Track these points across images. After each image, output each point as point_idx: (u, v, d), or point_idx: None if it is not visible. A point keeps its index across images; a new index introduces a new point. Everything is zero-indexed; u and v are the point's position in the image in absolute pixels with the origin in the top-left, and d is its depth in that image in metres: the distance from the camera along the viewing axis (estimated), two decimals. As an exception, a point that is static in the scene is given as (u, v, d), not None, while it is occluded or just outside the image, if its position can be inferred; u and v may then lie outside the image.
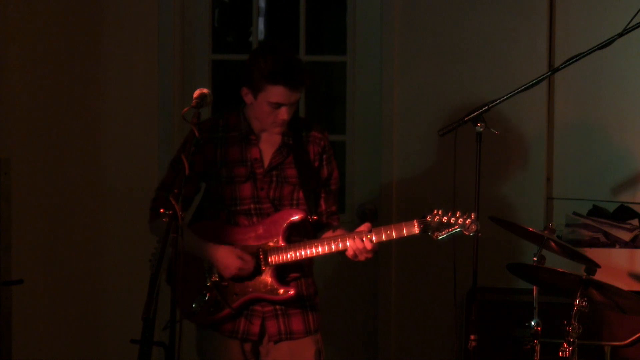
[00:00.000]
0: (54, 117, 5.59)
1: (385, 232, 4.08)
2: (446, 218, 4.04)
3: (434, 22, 5.45)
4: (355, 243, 4.07)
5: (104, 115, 5.70)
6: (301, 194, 4.20)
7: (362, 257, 4.11)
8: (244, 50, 5.88)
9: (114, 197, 5.69)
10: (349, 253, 4.10)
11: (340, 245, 4.11)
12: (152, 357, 3.60)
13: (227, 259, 4.12)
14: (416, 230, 4.05)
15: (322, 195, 4.29)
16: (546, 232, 4.29)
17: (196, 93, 3.78)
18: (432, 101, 5.43)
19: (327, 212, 4.30)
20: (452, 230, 4.03)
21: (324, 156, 4.27)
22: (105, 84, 5.69)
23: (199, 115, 3.70)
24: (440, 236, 4.05)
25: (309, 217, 4.19)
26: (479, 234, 4.09)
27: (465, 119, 4.32)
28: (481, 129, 4.30)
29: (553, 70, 4.59)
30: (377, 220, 5.50)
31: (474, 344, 4.29)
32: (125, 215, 5.67)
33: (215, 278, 4.17)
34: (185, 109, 3.69)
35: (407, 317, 5.50)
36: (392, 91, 5.48)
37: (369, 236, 4.08)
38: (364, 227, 4.11)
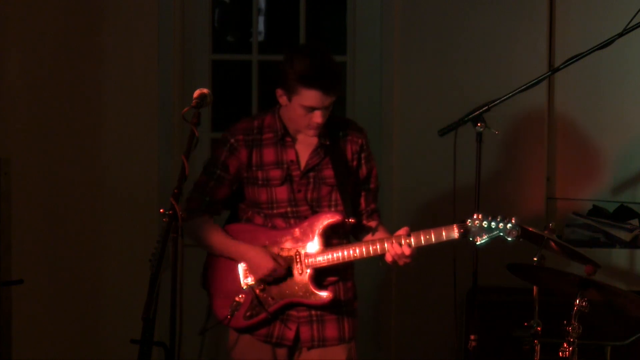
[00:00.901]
0: (54, 117, 5.59)
1: (425, 236, 4.01)
2: (486, 222, 3.98)
3: (434, 22, 5.45)
4: (394, 248, 4.01)
5: (104, 116, 5.70)
6: (339, 195, 4.13)
7: (401, 263, 4.04)
8: (244, 50, 5.89)
9: (114, 197, 5.69)
10: (388, 259, 4.03)
11: (378, 248, 4.04)
12: (152, 357, 3.60)
13: (260, 259, 4.04)
14: (456, 234, 4.00)
15: (362, 194, 4.21)
16: (546, 232, 4.29)
17: (196, 93, 3.77)
18: (432, 101, 5.43)
19: (367, 210, 4.23)
20: (492, 235, 3.99)
21: (363, 155, 4.18)
22: (105, 84, 5.69)
23: (199, 115, 3.69)
24: (480, 241, 4.00)
25: (346, 219, 4.11)
26: (520, 240, 4.04)
27: (465, 119, 4.31)
28: (481, 129, 4.29)
29: (553, 70, 4.59)
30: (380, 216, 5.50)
31: (474, 344, 4.29)
32: (125, 215, 5.67)
33: (252, 281, 4.10)
34: (185, 109, 3.68)
35: (407, 317, 5.50)
36: (392, 91, 5.48)
37: (407, 240, 4.02)
38: (402, 230, 4.05)
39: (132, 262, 5.55)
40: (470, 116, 4.31)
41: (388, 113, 5.48)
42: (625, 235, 5.09)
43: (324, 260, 4.06)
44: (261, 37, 5.86)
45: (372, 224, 4.24)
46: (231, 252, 4.10)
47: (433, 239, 4.02)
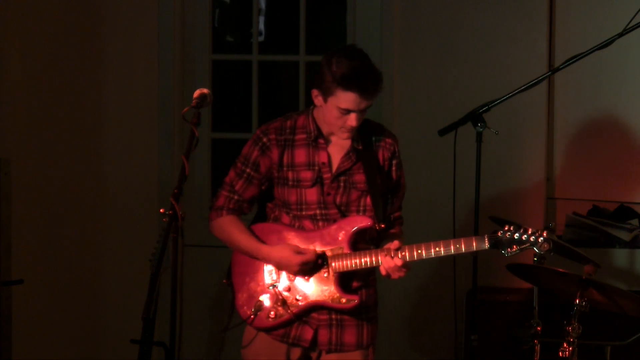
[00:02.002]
0: (54, 117, 5.59)
1: (455, 246, 3.96)
2: (517, 234, 3.94)
3: (434, 22, 5.45)
4: (387, 260, 3.95)
5: (104, 116, 5.70)
6: (369, 200, 4.07)
7: (395, 276, 4.00)
8: (244, 50, 5.89)
9: (114, 197, 5.70)
10: (382, 272, 3.99)
11: (407, 255, 3.97)
12: (152, 357, 3.60)
13: (287, 256, 4.00)
14: (487, 245, 3.94)
15: (389, 201, 4.18)
16: (546, 232, 4.29)
17: (196, 93, 3.77)
18: (432, 101, 5.44)
19: (392, 218, 4.19)
20: (523, 247, 3.97)
21: (394, 161, 4.15)
22: (105, 84, 5.69)
23: (199, 115, 3.69)
24: (510, 252, 3.99)
25: (376, 224, 4.06)
26: (551, 253, 3.98)
27: (465, 119, 4.32)
28: (481, 129, 4.29)
29: (553, 70, 4.60)
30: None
31: (474, 344, 4.29)
32: (125, 215, 5.67)
33: (277, 282, 4.08)
34: (185, 109, 3.68)
35: (407, 317, 5.50)
36: (392, 91, 5.48)
37: (402, 253, 3.95)
38: (393, 244, 3.99)
39: (132, 262, 5.55)
40: (470, 116, 4.31)
41: (388, 113, 5.48)
42: (625, 235, 5.09)
43: (351, 264, 4.03)
44: (261, 37, 5.86)
45: (395, 231, 4.19)
46: (255, 254, 4.07)
47: (463, 249, 3.97)
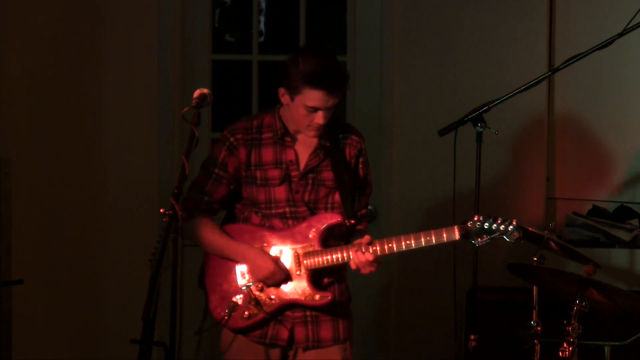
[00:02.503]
0: (54, 117, 5.59)
1: (425, 238, 4.00)
2: (487, 224, 3.97)
3: (434, 22, 5.45)
4: (358, 256, 3.99)
5: (104, 115, 5.70)
6: (337, 197, 4.10)
7: (365, 271, 4.03)
8: (244, 50, 5.89)
9: (114, 197, 5.70)
10: (352, 267, 4.02)
11: (378, 250, 4.01)
12: (152, 357, 3.60)
13: (261, 261, 4.03)
14: (457, 236, 3.98)
15: (356, 198, 4.20)
16: (546, 232, 4.29)
17: (196, 93, 3.77)
18: (432, 101, 5.44)
19: (358, 214, 4.21)
20: (493, 236, 3.99)
21: (361, 159, 4.18)
22: (105, 84, 5.69)
23: (199, 115, 3.69)
24: (480, 242, 4.00)
25: (345, 221, 4.09)
26: (521, 241, 4.02)
27: (465, 119, 4.32)
28: (481, 129, 4.29)
29: (553, 70, 4.59)
30: (377, 220, 5.51)
31: (474, 344, 4.29)
32: (125, 215, 5.67)
33: (250, 282, 4.08)
34: (185, 109, 3.68)
35: (407, 317, 5.50)
36: (392, 91, 5.48)
37: (373, 248, 4.00)
38: (364, 239, 4.02)
39: (132, 262, 5.55)
40: (470, 116, 4.31)
41: (388, 113, 5.48)
42: (625, 235, 5.09)
43: (322, 261, 4.05)
44: (261, 37, 5.86)
45: (361, 227, 4.23)
46: (231, 253, 4.09)
47: (434, 240, 4.01)
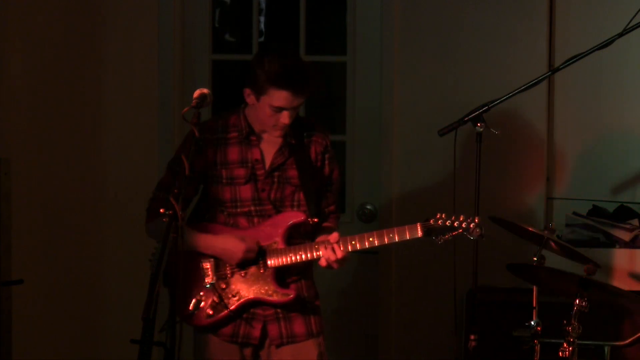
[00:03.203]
0: (54, 117, 5.59)
1: (388, 235, 4.04)
2: (449, 222, 4.00)
3: (434, 22, 5.45)
4: (327, 252, 4.04)
5: (104, 115, 5.70)
6: (302, 195, 4.15)
7: (335, 266, 4.07)
8: (244, 50, 5.89)
9: (114, 197, 5.69)
10: (322, 263, 4.07)
11: (341, 247, 4.06)
12: (152, 357, 3.60)
13: (231, 244, 4.07)
14: (419, 233, 4.01)
15: (323, 194, 4.26)
16: (546, 232, 4.29)
17: (196, 93, 3.77)
18: (432, 101, 5.43)
19: (326, 211, 4.28)
20: (455, 234, 4.01)
21: (326, 155, 4.22)
22: (105, 84, 5.69)
23: (199, 115, 3.70)
24: (442, 240, 4.03)
25: (309, 219, 4.14)
26: (483, 238, 4.05)
27: (465, 119, 4.31)
28: (481, 129, 4.29)
29: (553, 70, 4.59)
30: (377, 220, 5.51)
31: (474, 344, 4.29)
32: (125, 215, 5.67)
33: (213, 279, 4.12)
34: (185, 109, 3.69)
35: (407, 317, 5.50)
36: (392, 91, 5.48)
37: (348, 245, 4.05)
38: (332, 237, 4.06)
39: (132, 262, 5.55)
40: (470, 116, 4.31)
41: (388, 113, 5.48)
42: (625, 235, 5.09)
43: (286, 259, 4.08)
44: (261, 37, 5.86)
45: (328, 224, 4.26)
46: (200, 246, 4.11)
47: (397, 238, 4.03)
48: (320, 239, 4.13)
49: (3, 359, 4.70)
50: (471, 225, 3.99)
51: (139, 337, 3.52)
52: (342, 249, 4.03)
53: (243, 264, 4.10)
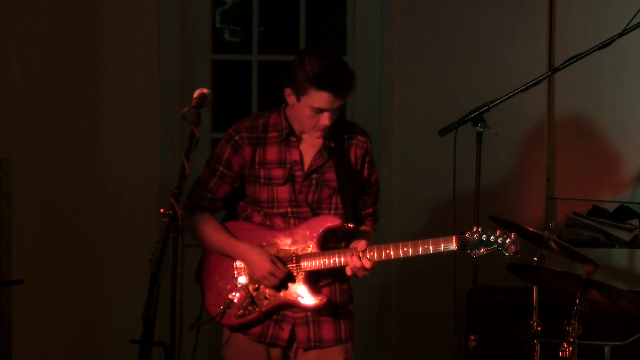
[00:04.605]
0: (54, 117, 5.59)
1: (423, 246, 4.00)
2: (485, 236, 3.96)
3: (434, 22, 5.45)
4: (353, 261, 4.00)
5: (104, 115, 5.70)
6: (339, 199, 4.09)
7: (360, 275, 4.03)
8: (244, 50, 5.89)
9: (114, 197, 5.70)
10: (348, 272, 4.03)
11: (375, 255, 4.03)
12: (152, 357, 3.60)
13: (260, 261, 4.02)
14: (454, 246, 3.98)
15: (362, 197, 4.22)
16: (546, 232, 4.29)
17: (196, 93, 3.77)
18: (432, 101, 5.44)
19: (363, 214, 4.23)
20: (490, 249, 3.99)
21: (367, 159, 4.17)
22: (105, 84, 5.69)
23: (199, 115, 3.69)
24: (477, 254, 4.01)
25: (345, 224, 4.09)
26: (518, 255, 4.01)
27: (465, 119, 4.31)
28: (481, 129, 4.29)
29: (553, 70, 4.59)
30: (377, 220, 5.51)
31: (474, 344, 4.29)
32: (125, 215, 5.67)
33: (247, 280, 4.09)
34: (185, 109, 3.68)
35: (407, 317, 5.50)
36: (392, 91, 5.48)
37: (371, 254, 4.01)
38: (360, 245, 4.03)
39: (132, 262, 5.55)
40: (470, 116, 4.31)
41: (388, 113, 5.49)
42: (625, 235, 5.09)
43: (319, 264, 4.05)
44: (261, 38, 5.86)
45: (365, 228, 4.23)
46: (231, 251, 4.08)
47: (431, 249, 4.00)
48: (353, 244, 4.09)
49: (3, 359, 4.70)
50: (507, 241, 3.95)
51: (139, 337, 3.52)
52: (370, 257, 4.00)
53: (266, 284, 4.06)
